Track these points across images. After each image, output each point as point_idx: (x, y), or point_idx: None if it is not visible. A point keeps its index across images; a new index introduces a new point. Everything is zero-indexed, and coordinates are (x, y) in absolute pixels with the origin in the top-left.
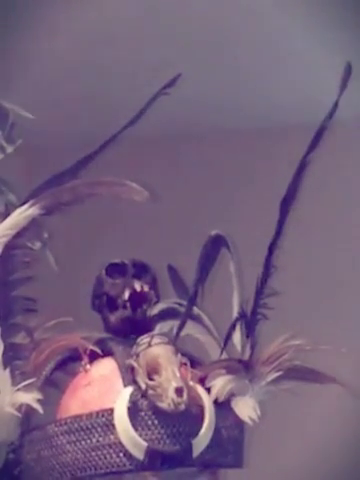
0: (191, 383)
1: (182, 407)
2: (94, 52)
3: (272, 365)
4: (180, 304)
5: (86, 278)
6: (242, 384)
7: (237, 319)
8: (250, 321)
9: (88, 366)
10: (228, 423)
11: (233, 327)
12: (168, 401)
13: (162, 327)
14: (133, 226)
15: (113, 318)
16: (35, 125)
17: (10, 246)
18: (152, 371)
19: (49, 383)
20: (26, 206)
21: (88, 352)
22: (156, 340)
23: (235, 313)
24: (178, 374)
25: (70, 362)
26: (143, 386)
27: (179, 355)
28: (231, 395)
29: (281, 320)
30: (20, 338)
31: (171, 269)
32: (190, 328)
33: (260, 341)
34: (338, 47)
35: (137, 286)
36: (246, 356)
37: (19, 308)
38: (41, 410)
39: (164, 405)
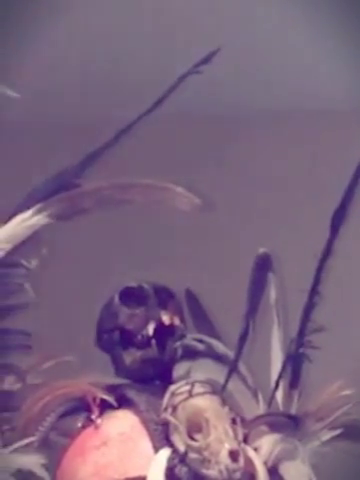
0: (242, 445)
1: (237, 476)
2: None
3: (325, 421)
4: (200, 340)
5: (92, 307)
6: (291, 445)
7: (286, 362)
8: (295, 364)
9: (99, 421)
10: None
11: (283, 370)
12: (220, 467)
13: (177, 370)
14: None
15: (129, 358)
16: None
17: (3, 264)
18: (193, 428)
19: (47, 441)
20: (30, 213)
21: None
22: (198, 389)
23: (276, 353)
24: (231, 433)
25: (72, 414)
26: (182, 448)
27: (227, 408)
28: (279, 459)
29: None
30: (9, 383)
31: (190, 295)
32: (214, 372)
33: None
34: None
35: (165, 318)
36: (292, 409)
37: (9, 344)
38: (48, 478)
39: (213, 472)
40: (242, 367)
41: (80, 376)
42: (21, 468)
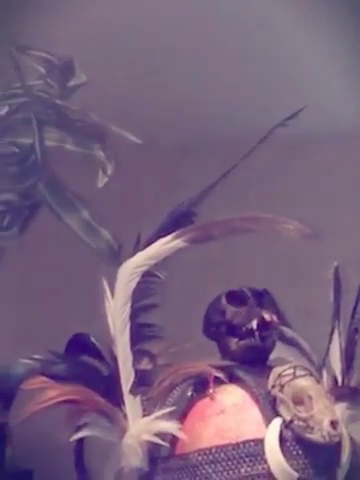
0: None
1: (337, 439)
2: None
3: None
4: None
5: (203, 306)
6: (354, 412)
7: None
8: (350, 344)
9: (214, 393)
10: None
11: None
12: (323, 433)
13: None
14: (245, 254)
15: (234, 346)
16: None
17: (145, 275)
18: (297, 402)
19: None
20: (170, 237)
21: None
22: (300, 372)
23: (336, 336)
24: (330, 406)
25: (195, 388)
26: (288, 417)
27: (321, 386)
28: (347, 423)
29: None
30: (144, 364)
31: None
32: (282, 351)
33: None
34: None
35: (267, 316)
36: (348, 382)
37: (145, 335)
38: (186, 438)
39: (316, 437)
40: (307, 347)
41: (196, 359)
42: (164, 431)
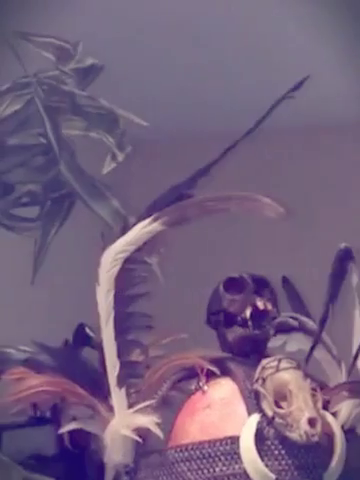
0: (321, 411)
1: (315, 439)
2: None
3: None
4: (294, 318)
5: (200, 294)
6: None
7: None
8: None
9: (206, 387)
10: (354, 453)
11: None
12: (300, 432)
13: (273, 343)
14: (247, 238)
15: (231, 336)
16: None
17: (128, 261)
18: (280, 398)
19: (164, 403)
20: (148, 221)
21: (205, 372)
22: (284, 364)
23: (358, 329)
24: (311, 403)
25: (184, 380)
26: (270, 413)
27: (308, 380)
28: (357, 421)
29: None
30: (135, 355)
31: (285, 281)
32: (305, 344)
33: None
34: None
35: (260, 304)
36: None
37: (135, 324)
38: (161, 435)
39: (295, 436)
40: (328, 339)
41: (191, 350)
42: (141, 426)
